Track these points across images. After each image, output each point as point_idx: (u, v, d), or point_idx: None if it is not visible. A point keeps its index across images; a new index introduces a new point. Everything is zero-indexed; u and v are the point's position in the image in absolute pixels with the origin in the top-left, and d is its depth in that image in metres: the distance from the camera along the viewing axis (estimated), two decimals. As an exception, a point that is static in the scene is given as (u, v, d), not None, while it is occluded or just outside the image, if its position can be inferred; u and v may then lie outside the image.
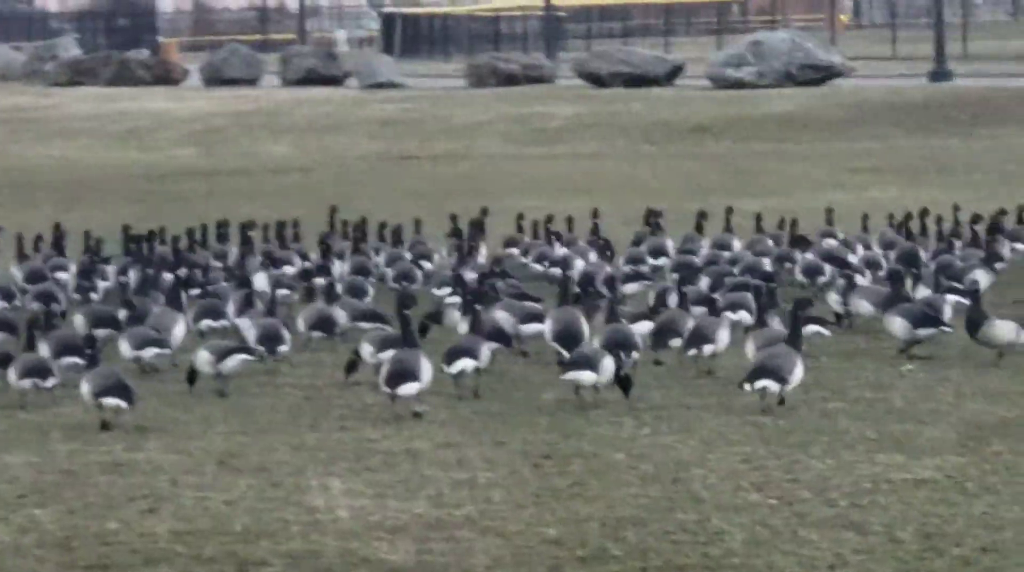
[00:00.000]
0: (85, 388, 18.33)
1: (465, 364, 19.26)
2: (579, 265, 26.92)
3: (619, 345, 19.88)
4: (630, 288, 25.21)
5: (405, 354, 19.04)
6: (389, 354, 19.67)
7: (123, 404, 18.24)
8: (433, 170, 47.95)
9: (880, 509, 14.38)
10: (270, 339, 21.22)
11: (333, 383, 20.09)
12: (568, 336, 20.62)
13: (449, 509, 14.77)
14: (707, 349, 20.41)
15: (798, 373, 18.48)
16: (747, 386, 18.49)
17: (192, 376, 19.99)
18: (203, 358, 20.16)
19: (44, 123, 68.12)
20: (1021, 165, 44.17)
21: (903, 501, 14.63)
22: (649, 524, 14.16)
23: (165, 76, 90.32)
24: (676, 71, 71.70)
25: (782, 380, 18.29)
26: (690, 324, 20.93)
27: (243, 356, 20.15)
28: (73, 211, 39.79)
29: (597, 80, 70.85)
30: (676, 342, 20.58)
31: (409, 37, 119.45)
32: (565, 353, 19.97)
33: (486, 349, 19.67)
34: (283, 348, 21.33)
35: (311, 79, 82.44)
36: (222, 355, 19.92)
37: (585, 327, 20.91)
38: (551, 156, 51.60)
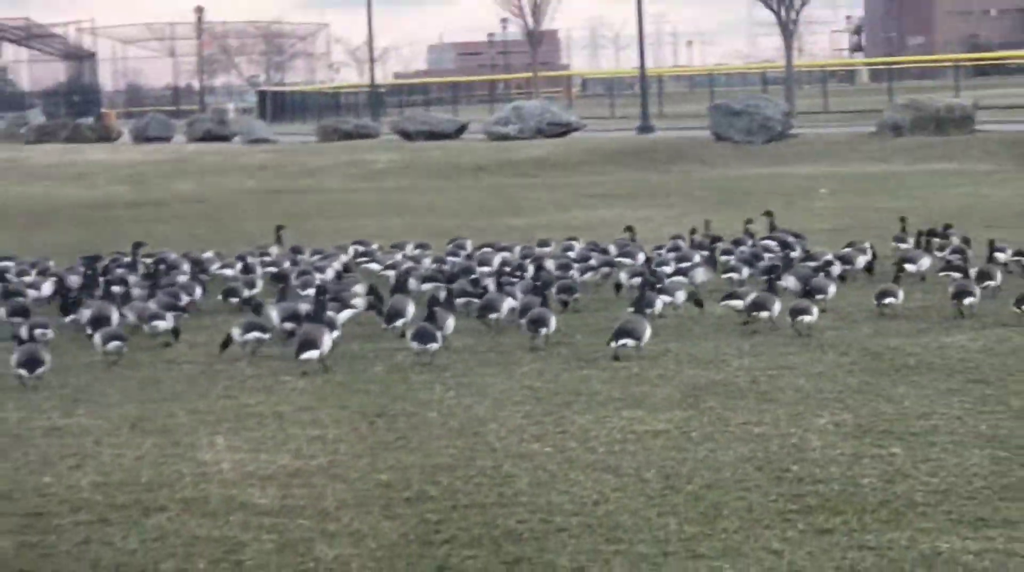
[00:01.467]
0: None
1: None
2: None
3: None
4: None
5: (311, 328, 18.33)
6: (252, 335, 19.01)
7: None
8: (294, 200, 46.98)
9: (629, 455, 13.35)
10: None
11: (221, 360, 18.68)
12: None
13: (306, 460, 13.65)
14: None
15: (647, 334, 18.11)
16: (612, 344, 18.04)
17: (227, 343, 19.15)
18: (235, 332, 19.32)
19: (20, 170, 67.65)
20: (703, 190, 44.00)
21: (645, 448, 13.58)
22: (457, 470, 13.09)
23: (106, 136, 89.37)
24: (462, 128, 71.19)
25: (638, 339, 17.86)
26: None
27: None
28: (39, 232, 38.54)
29: (407, 135, 70.24)
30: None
31: (277, 107, 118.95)
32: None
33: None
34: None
35: (208, 137, 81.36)
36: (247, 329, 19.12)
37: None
38: (376, 189, 51.27)
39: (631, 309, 19.47)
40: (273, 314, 19.93)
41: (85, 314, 20.50)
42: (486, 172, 55.36)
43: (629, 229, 27.21)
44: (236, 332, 19.31)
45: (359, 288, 22.27)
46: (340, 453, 13.80)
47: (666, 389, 16.29)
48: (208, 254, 27.12)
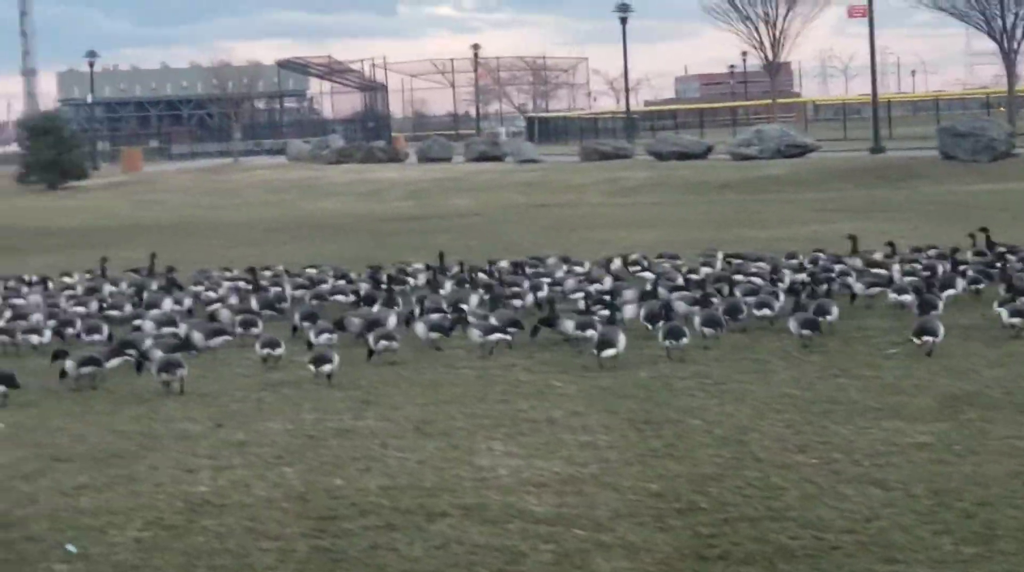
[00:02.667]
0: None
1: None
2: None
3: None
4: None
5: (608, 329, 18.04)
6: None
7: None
8: (559, 213, 46.08)
9: (894, 468, 12.01)
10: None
11: (497, 365, 17.63)
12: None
13: (578, 467, 12.50)
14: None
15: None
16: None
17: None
18: (420, 329, 19.03)
19: (320, 188, 68.03)
20: (932, 205, 42.10)
21: (910, 461, 12.23)
22: (724, 480, 11.86)
23: (395, 157, 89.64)
24: (708, 149, 70.09)
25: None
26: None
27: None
28: (333, 244, 38.19)
29: (658, 156, 69.30)
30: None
31: (543, 131, 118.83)
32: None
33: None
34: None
35: (483, 157, 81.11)
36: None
37: None
38: (631, 204, 50.32)
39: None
40: (569, 325, 18.99)
41: (354, 322, 19.86)
42: (730, 189, 54.29)
43: (852, 238, 25.83)
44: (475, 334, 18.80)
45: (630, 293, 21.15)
46: (611, 461, 12.65)
47: (922, 399, 14.85)
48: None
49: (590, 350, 17.69)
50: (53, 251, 39.33)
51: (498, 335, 18.86)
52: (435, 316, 20.01)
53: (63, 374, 16.95)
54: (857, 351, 17.87)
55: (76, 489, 12.07)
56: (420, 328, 19.41)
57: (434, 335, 19.18)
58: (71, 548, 10.39)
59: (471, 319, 19.82)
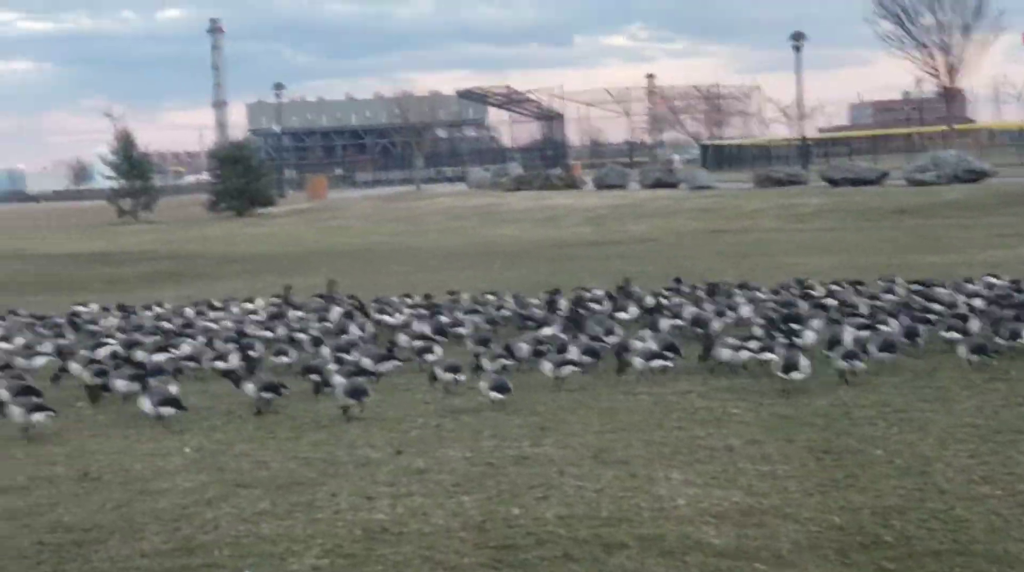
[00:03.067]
0: None
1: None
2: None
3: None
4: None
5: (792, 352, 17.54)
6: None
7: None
8: (733, 239, 45.49)
9: (1088, 500, 11.29)
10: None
11: (673, 392, 17.18)
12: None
13: (758, 498, 11.96)
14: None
15: None
16: None
17: None
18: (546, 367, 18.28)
19: (500, 214, 67.84)
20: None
21: (1101, 493, 11.56)
22: (908, 512, 11.30)
23: (572, 184, 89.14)
24: (883, 175, 68.59)
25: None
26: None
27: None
28: (513, 270, 38.01)
29: (832, 182, 68.19)
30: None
31: (717, 158, 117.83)
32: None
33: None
34: None
35: (658, 184, 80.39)
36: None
37: None
38: (805, 230, 49.73)
39: None
40: (724, 353, 18.63)
41: (522, 348, 19.63)
42: (906, 214, 53.16)
43: None
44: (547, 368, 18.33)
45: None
46: (790, 491, 12.12)
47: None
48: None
49: (774, 372, 17.29)
50: (240, 277, 39.58)
51: (659, 362, 18.67)
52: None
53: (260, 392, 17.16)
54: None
55: (257, 515, 11.89)
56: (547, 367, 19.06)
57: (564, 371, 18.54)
58: (251, 575, 10.21)
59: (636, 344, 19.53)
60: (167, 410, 16.35)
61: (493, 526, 11.29)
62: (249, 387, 17.14)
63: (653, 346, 19.17)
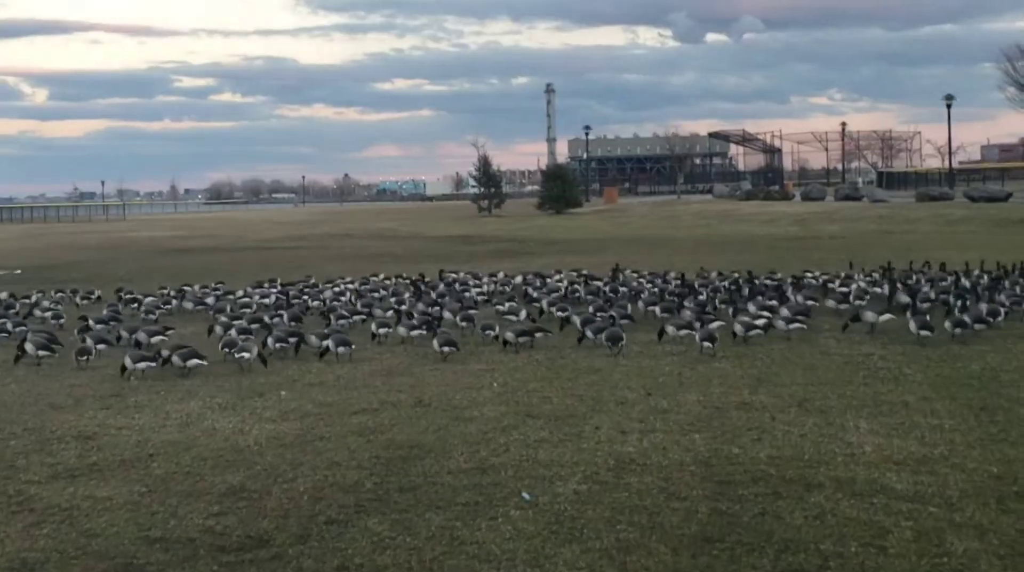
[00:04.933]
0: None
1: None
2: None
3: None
4: None
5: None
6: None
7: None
8: (901, 238, 43.08)
9: None
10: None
11: (859, 353, 15.09)
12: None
13: (930, 448, 9.88)
14: None
15: None
16: None
17: None
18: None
19: (735, 216, 65.39)
20: None
21: None
22: (1056, 467, 9.09)
23: (785, 196, 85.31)
24: (1009, 195, 64.10)
25: None
26: None
27: None
28: (744, 255, 35.66)
29: (972, 199, 64.29)
30: None
31: (889, 181, 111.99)
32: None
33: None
34: None
35: (847, 198, 76.29)
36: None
37: None
38: (953, 232, 46.74)
39: None
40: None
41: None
42: (1025, 223, 49.02)
43: None
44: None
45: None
46: (956, 443, 10.01)
47: None
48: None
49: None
50: (555, 254, 38.31)
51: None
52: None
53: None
54: None
55: (537, 442, 10.30)
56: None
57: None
58: (527, 496, 8.61)
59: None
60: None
61: (718, 462, 9.51)
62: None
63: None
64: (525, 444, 10.23)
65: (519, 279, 25.28)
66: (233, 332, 16.51)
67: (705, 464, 9.45)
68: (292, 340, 15.94)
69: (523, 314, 18.81)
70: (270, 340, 15.84)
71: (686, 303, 19.68)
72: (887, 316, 17.40)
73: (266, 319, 18.79)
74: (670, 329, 16.47)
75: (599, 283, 23.45)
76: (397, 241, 52.09)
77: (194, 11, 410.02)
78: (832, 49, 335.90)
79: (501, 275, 26.18)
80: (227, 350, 15.26)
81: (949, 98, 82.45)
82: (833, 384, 13.00)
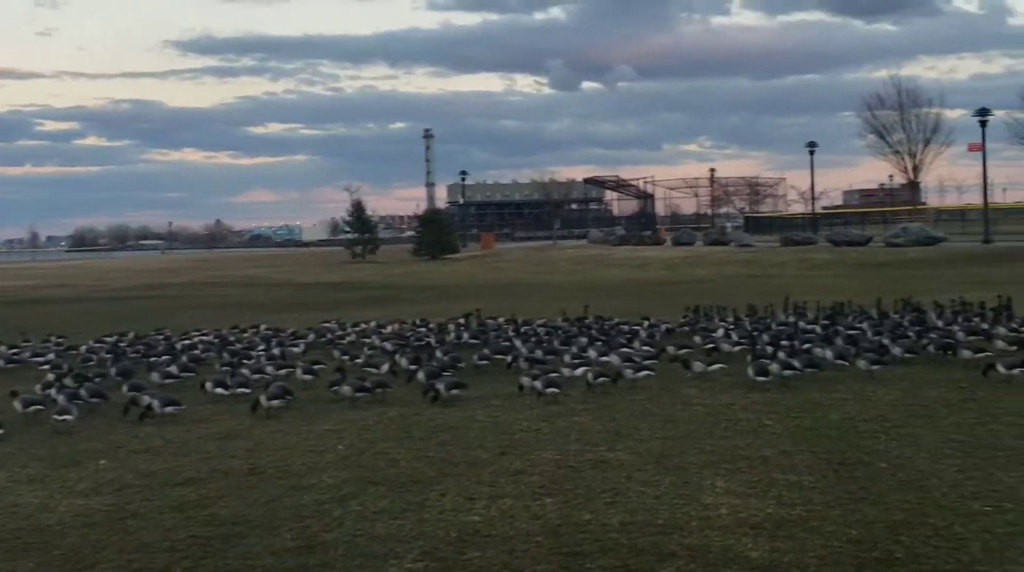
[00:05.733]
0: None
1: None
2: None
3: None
4: None
5: None
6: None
7: None
8: (765, 282, 42.85)
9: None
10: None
11: (720, 403, 14.59)
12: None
13: (788, 508, 9.34)
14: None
15: None
16: None
17: None
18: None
19: (605, 261, 66.06)
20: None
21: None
22: (913, 528, 8.70)
23: (657, 241, 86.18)
24: (868, 239, 64.86)
25: None
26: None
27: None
28: (616, 300, 35.20)
29: (835, 243, 65.65)
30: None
31: (756, 225, 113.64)
32: None
33: None
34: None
35: (715, 243, 77.59)
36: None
37: None
38: (815, 276, 47.89)
39: None
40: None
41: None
42: (886, 267, 49.87)
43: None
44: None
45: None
46: (815, 503, 9.47)
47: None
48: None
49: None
50: (428, 302, 37.56)
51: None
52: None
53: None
54: (1003, 399, 14.37)
55: (376, 514, 9.48)
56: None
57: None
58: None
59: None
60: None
61: (567, 531, 8.82)
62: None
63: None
64: (362, 516, 9.39)
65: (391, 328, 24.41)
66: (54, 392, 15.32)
67: (554, 533, 8.76)
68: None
69: (385, 367, 17.97)
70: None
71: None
72: (716, 366, 17.09)
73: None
74: (525, 380, 15.85)
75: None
76: (263, 289, 50.76)
77: (57, 53, 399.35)
78: (702, 98, 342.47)
79: (373, 324, 25.21)
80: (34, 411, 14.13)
81: (812, 145, 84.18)
82: (692, 438, 12.45)
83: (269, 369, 17.75)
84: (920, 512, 9.10)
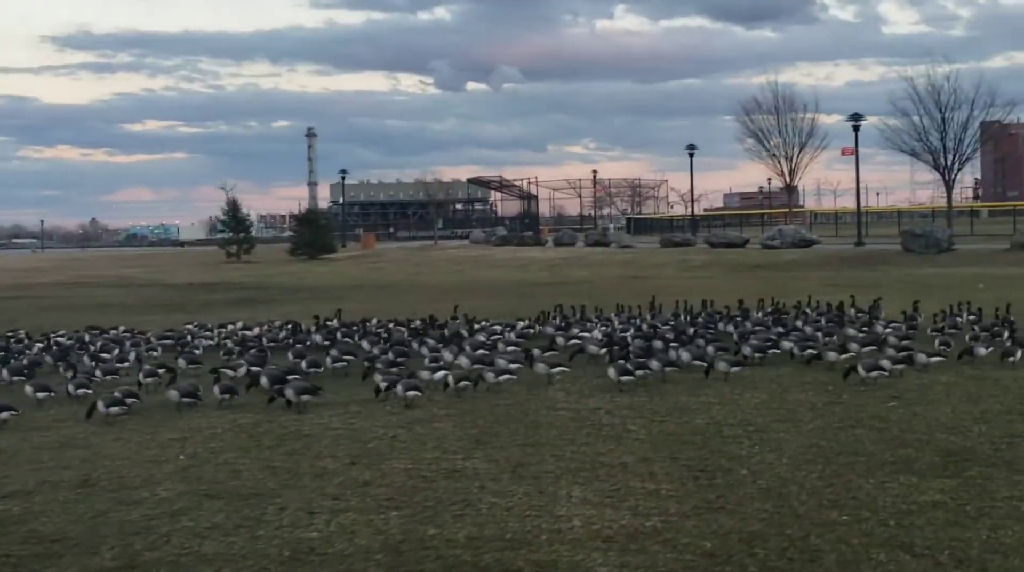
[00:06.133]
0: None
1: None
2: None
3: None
4: None
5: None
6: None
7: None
8: (644, 283, 42.64)
9: (918, 530, 8.48)
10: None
11: (586, 407, 14.26)
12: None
13: (643, 519, 8.98)
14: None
15: None
16: None
17: None
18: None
19: (487, 261, 65.46)
20: (898, 283, 37.93)
21: (931, 522, 8.74)
22: (769, 539, 8.41)
23: (539, 242, 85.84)
24: (746, 241, 66.28)
25: None
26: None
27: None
28: (493, 300, 34.79)
29: (712, 245, 66.12)
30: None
31: (637, 227, 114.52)
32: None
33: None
34: None
35: (596, 243, 77.38)
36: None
37: None
38: (694, 277, 47.31)
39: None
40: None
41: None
42: (761, 268, 50.36)
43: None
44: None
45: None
46: (670, 512, 9.14)
47: (927, 454, 11.12)
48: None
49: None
50: (299, 302, 36.68)
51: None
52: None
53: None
54: (866, 402, 14.29)
55: (208, 530, 8.87)
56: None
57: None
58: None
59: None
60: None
61: (409, 547, 8.32)
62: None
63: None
64: (192, 533, 8.77)
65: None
66: None
67: (394, 551, 8.25)
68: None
69: (242, 371, 17.29)
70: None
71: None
72: (560, 368, 16.90)
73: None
74: (381, 382, 15.40)
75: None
76: (132, 289, 49.18)
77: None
78: (586, 100, 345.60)
79: (240, 325, 24.40)
80: None
81: (691, 147, 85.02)
82: (554, 444, 12.05)
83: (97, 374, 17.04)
84: (778, 522, 8.82)
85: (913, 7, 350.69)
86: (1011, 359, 17.10)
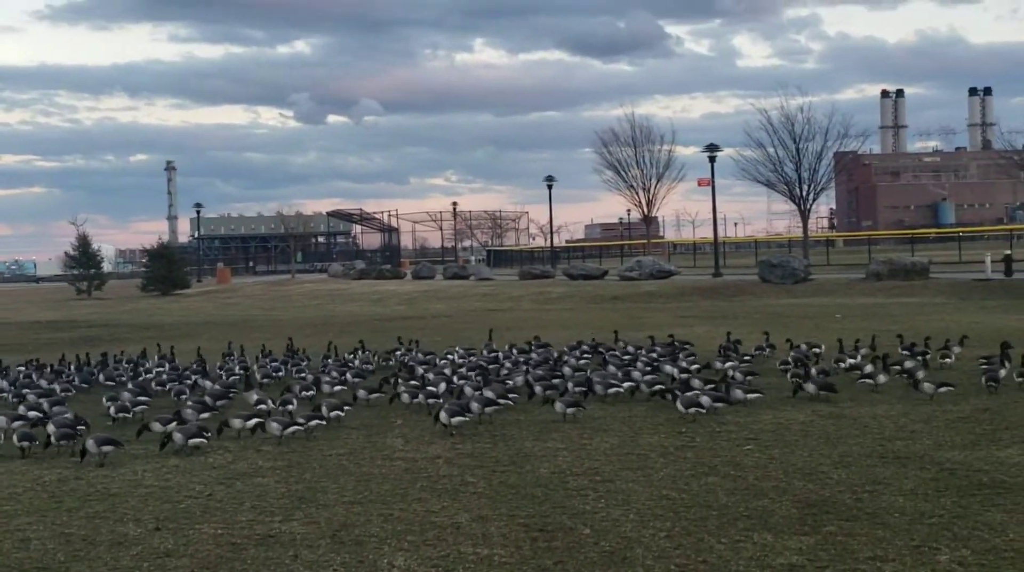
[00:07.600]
0: None
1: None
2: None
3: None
4: None
5: None
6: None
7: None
8: (503, 316, 42.09)
9: None
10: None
11: (427, 456, 13.27)
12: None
13: None
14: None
15: None
16: None
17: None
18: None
19: (344, 295, 64.45)
20: (756, 313, 37.95)
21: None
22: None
23: (397, 275, 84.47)
24: (605, 273, 66.33)
25: None
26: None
27: None
28: (348, 336, 33.36)
29: (572, 277, 65.73)
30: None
31: (497, 259, 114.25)
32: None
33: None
34: None
35: (456, 277, 76.66)
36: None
37: None
38: (553, 310, 46.77)
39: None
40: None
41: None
42: (619, 300, 50.25)
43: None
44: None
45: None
46: (503, 582, 8.19)
47: (784, 505, 10.38)
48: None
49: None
50: (146, 341, 34.90)
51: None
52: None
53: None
54: (721, 446, 13.60)
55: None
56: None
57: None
58: None
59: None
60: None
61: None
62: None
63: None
64: (-57, 628, 7.55)
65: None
66: None
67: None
68: None
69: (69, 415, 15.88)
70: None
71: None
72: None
73: None
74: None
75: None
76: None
77: None
78: (447, 133, 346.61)
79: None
80: None
81: (550, 179, 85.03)
82: (384, 501, 11.00)
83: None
84: (618, 592, 7.95)
85: (766, 41, 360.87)
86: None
